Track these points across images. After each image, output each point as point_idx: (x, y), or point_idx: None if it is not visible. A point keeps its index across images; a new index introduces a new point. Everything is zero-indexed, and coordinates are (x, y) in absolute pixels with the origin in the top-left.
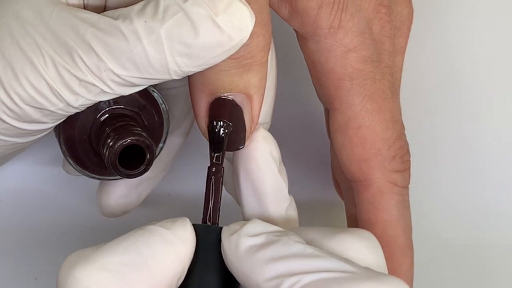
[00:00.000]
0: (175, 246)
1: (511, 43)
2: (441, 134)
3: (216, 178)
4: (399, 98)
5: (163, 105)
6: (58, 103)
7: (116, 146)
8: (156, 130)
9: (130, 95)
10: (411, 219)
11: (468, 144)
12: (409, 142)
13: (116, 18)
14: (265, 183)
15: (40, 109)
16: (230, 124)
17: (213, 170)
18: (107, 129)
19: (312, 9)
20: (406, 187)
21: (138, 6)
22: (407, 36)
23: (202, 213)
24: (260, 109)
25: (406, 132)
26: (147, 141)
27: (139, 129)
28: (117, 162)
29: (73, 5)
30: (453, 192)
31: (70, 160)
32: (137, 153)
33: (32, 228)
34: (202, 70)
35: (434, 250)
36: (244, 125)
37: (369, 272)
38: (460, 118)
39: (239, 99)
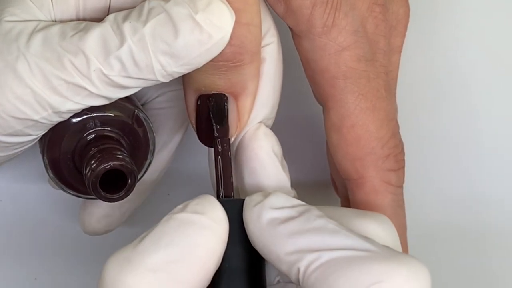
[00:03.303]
0: (214, 230)
1: (508, 42)
2: (437, 134)
3: (223, 150)
4: (395, 97)
5: (150, 127)
6: (42, 112)
7: (98, 169)
8: (141, 152)
9: (117, 117)
10: (406, 219)
11: (464, 144)
12: (404, 142)
13: (104, 21)
14: (269, 180)
15: (23, 119)
16: (226, 95)
17: (219, 143)
18: (92, 149)
19: (306, 8)
20: (400, 186)
21: (125, 10)
22: (404, 35)
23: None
24: (249, 106)
25: (401, 131)
26: (129, 167)
27: (124, 153)
28: (98, 185)
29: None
30: (448, 192)
31: (53, 177)
32: (120, 176)
33: (32, 228)
34: (187, 71)
35: (429, 249)
36: (224, 116)
37: (389, 252)
38: (457, 117)
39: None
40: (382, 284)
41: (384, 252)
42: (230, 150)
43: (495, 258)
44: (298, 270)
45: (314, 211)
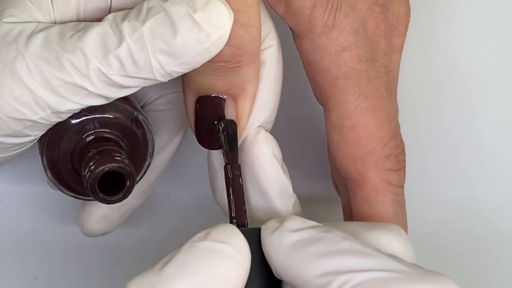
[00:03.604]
0: (238, 259)
1: (508, 42)
2: (437, 134)
3: (234, 177)
4: (395, 97)
5: (149, 129)
6: (41, 112)
7: (97, 171)
8: (140, 154)
9: (117, 118)
10: (407, 219)
11: (465, 144)
12: (405, 141)
13: (102, 21)
14: (271, 184)
15: (22, 120)
16: (235, 121)
17: (229, 169)
18: (90, 151)
19: (306, 8)
20: (401, 186)
21: (125, 10)
22: (404, 35)
23: (219, 215)
24: (248, 109)
25: (402, 131)
26: (128, 169)
27: (123, 155)
28: (96, 187)
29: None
30: (448, 192)
31: (51, 179)
32: (118, 178)
33: (32, 228)
34: (186, 71)
35: (430, 249)
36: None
37: (420, 271)
38: (457, 117)
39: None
40: None
41: (415, 271)
42: (241, 177)
43: (495, 258)
44: None
45: (337, 231)
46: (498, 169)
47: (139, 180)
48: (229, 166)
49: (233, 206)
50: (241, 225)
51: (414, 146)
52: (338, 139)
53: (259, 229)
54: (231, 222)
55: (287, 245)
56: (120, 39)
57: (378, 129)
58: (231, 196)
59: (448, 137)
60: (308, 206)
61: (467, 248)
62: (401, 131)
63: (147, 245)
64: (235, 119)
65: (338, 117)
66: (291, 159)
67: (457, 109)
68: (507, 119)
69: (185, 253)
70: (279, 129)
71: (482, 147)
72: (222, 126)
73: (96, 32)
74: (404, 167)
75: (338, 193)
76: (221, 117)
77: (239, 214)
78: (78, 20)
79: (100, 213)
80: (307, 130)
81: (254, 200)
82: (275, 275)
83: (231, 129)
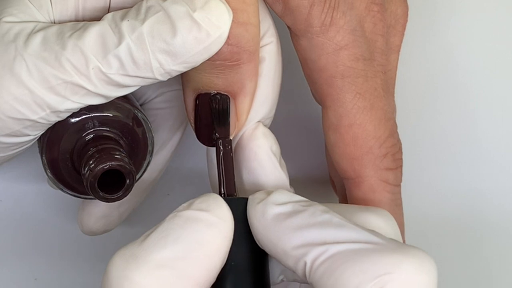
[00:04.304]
0: (220, 227)
1: (507, 41)
2: (435, 133)
3: (224, 150)
4: (393, 96)
5: (148, 127)
6: (40, 112)
7: (97, 169)
8: (140, 152)
9: (116, 117)
10: (404, 217)
11: (463, 143)
12: (402, 141)
13: (101, 20)
14: (268, 179)
15: (21, 119)
16: (228, 95)
17: (220, 143)
18: (90, 149)
19: (304, 7)
20: (398, 185)
21: (123, 10)
22: (402, 35)
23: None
24: (248, 106)
25: (399, 130)
26: (127, 167)
27: (122, 153)
28: (96, 185)
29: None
30: (446, 191)
31: (51, 177)
32: (118, 176)
33: (32, 228)
34: (185, 70)
35: (426, 247)
36: (226, 117)
37: (395, 244)
38: (455, 116)
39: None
40: (390, 276)
41: (390, 244)
42: (232, 151)
43: (492, 257)
44: (305, 263)
45: (319, 206)
46: (497, 168)
47: (139, 179)
48: (220, 140)
49: (223, 178)
50: (230, 195)
51: (411, 145)
52: (335, 138)
53: (247, 199)
54: (220, 194)
55: (269, 216)
56: (120, 38)
57: (375, 129)
58: (222, 169)
59: (445, 137)
60: None
61: (464, 246)
62: (399, 130)
63: None
64: (234, 117)
65: (335, 116)
66: (289, 157)
67: (455, 109)
68: (506, 119)
69: (168, 222)
70: (278, 128)
71: (480, 146)
72: (215, 99)
73: (95, 31)
74: (401, 166)
75: (335, 192)
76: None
77: (229, 185)
78: (77, 20)
79: (100, 212)
80: (306, 129)
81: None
82: (258, 245)
83: (224, 102)
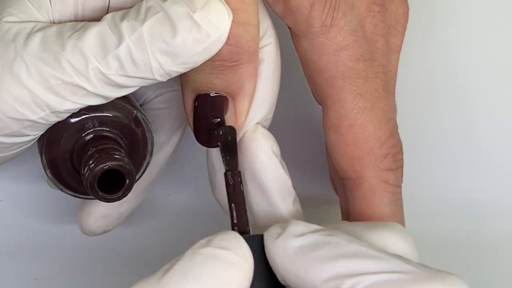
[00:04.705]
0: (241, 266)
1: (507, 41)
2: (436, 134)
3: (234, 183)
4: (394, 97)
5: (148, 127)
6: (40, 112)
7: (96, 169)
8: (140, 152)
9: (116, 117)
10: (404, 218)
11: (463, 144)
12: (403, 141)
13: (101, 21)
14: (271, 181)
15: (21, 120)
16: (233, 126)
17: (230, 176)
18: (90, 149)
19: (304, 7)
20: (398, 186)
21: (123, 10)
22: (403, 35)
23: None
24: (247, 106)
25: (400, 131)
26: (127, 167)
27: (122, 153)
28: (96, 185)
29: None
30: (447, 190)
31: (51, 178)
32: (118, 176)
33: (32, 228)
34: (185, 70)
35: (427, 248)
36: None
37: (429, 271)
38: (455, 117)
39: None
40: None
41: (425, 273)
42: (242, 183)
43: (493, 257)
44: None
45: (341, 234)
46: (497, 168)
47: (138, 179)
48: (229, 172)
49: (234, 213)
50: (243, 232)
51: (411, 146)
52: (335, 138)
53: (262, 235)
54: (233, 229)
55: (292, 250)
56: (120, 39)
57: (375, 129)
58: (232, 203)
59: (446, 137)
60: (307, 205)
61: (465, 247)
62: (400, 130)
63: (148, 245)
64: (233, 118)
65: (336, 117)
66: (290, 158)
67: (455, 109)
68: (506, 119)
69: (188, 259)
70: (278, 129)
71: (481, 147)
72: (221, 132)
73: (95, 32)
74: (402, 167)
75: (336, 192)
76: (220, 120)
77: (241, 221)
78: (76, 20)
79: (99, 212)
80: (306, 130)
81: (254, 197)
82: (281, 281)
83: (230, 135)
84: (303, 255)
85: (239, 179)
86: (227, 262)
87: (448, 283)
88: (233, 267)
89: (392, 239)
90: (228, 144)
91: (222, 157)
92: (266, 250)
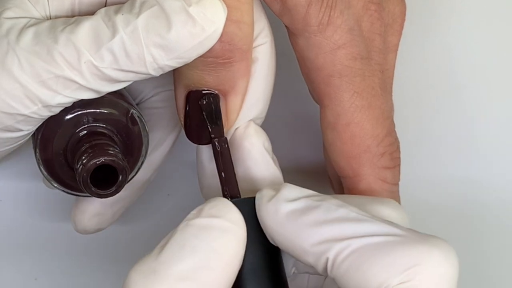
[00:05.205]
0: (234, 232)
1: (506, 41)
2: (433, 132)
3: (222, 149)
4: (391, 95)
5: (144, 126)
6: (32, 106)
7: (89, 164)
8: (134, 150)
9: (111, 114)
10: None
11: (461, 143)
12: (400, 140)
13: (95, 14)
14: (263, 176)
15: (13, 114)
16: (216, 93)
17: (217, 142)
18: (84, 145)
19: (301, 6)
20: (396, 184)
21: (116, 5)
22: (400, 34)
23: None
24: (238, 105)
25: (397, 129)
26: (121, 163)
27: (116, 149)
28: (89, 180)
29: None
30: (444, 189)
31: (45, 174)
32: (112, 173)
33: (32, 228)
34: (179, 65)
35: None
36: (218, 116)
37: (418, 235)
38: (453, 116)
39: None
40: (418, 268)
41: (413, 236)
42: (229, 149)
43: (491, 255)
44: (327, 260)
45: (332, 200)
46: (496, 168)
47: (133, 177)
48: (216, 139)
49: (225, 179)
50: (234, 196)
51: (409, 144)
52: (332, 137)
53: (253, 198)
54: (224, 195)
55: (283, 214)
56: (114, 31)
57: (372, 127)
58: (222, 169)
59: (443, 136)
60: None
61: (463, 243)
62: (397, 129)
63: (148, 245)
64: (224, 116)
65: (333, 115)
66: (287, 156)
67: (453, 108)
68: (504, 118)
69: (181, 232)
70: (276, 126)
71: (479, 146)
72: (205, 102)
73: (88, 25)
74: (399, 165)
75: (333, 190)
76: (206, 90)
77: (231, 186)
78: (74, 15)
79: (93, 210)
80: (303, 127)
81: (246, 193)
82: (271, 242)
83: (214, 102)
84: (294, 220)
85: (226, 145)
86: (219, 230)
87: (435, 245)
88: (226, 233)
89: (387, 212)
90: (212, 112)
91: (208, 126)
92: (257, 213)
